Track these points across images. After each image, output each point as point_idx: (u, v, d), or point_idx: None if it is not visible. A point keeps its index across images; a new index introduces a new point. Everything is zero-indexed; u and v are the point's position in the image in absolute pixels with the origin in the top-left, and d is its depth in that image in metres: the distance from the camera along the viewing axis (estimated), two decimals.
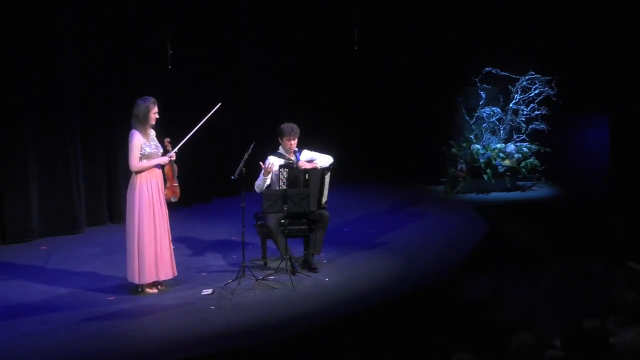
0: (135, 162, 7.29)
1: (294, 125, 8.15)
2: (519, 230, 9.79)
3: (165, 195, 7.47)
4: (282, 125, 8.18)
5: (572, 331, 4.82)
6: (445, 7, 12.36)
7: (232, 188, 10.70)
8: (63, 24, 9.60)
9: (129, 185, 7.42)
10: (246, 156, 7.74)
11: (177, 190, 7.61)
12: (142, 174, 7.32)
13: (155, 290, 7.52)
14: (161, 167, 7.47)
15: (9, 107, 9.30)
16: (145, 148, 7.31)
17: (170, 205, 7.59)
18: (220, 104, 7.85)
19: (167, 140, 7.48)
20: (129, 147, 7.31)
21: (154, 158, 7.37)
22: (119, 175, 10.21)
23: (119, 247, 8.65)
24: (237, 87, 11.76)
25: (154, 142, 7.42)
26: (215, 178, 11.38)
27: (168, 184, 7.51)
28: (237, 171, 7.68)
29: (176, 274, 7.58)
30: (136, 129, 7.32)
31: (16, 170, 9.37)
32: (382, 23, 12.73)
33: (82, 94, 9.90)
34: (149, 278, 7.40)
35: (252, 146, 7.86)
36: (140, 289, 7.48)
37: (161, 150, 7.44)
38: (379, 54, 12.83)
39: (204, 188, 11.37)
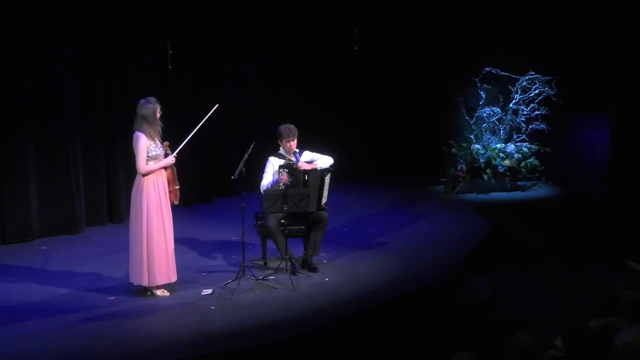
0: (143, 165, 7.22)
1: (292, 126, 8.12)
2: (519, 230, 9.79)
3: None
4: (279, 128, 8.15)
5: (576, 331, 4.82)
6: (445, 7, 12.35)
7: (232, 188, 10.71)
8: (63, 25, 9.59)
9: (135, 187, 7.33)
10: (246, 156, 7.73)
11: (178, 194, 7.55)
12: (149, 175, 7.26)
13: (166, 293, 7.43)
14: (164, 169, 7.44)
15: (9, 107, 9.30)
16: (151, 150, 7.25)
17: (171, 206, 7.56)
18: (217, 105, 7.81)
19: (165, 144, 7.42)
20: (136, 150, 7.23)
21: (159, 160, 7.32)
22: (119, 175, 10.23)
23: (119, 247, 8.66)
24: (237, 87, 11.76)
25: (159, 144, 7.36)
26: (215, 178, 11.38)
27: (170, 188, 7.44)
28: (237, 171, 7.66)
29: (175, 279, 7.51)
30: (141, 131, 7.23)
31: (16, 170, 9.37)
32: (382, 23, 12.72)
33: (82, 94, 9.89)
34: (160, 280, 7.34)
35: (252, 146, 7.86)
36: (149, 292, 7.40)
37: (163, 153, 7.40)
38: (379, 54, 12.82)
39: (204, 188, 11.37)
